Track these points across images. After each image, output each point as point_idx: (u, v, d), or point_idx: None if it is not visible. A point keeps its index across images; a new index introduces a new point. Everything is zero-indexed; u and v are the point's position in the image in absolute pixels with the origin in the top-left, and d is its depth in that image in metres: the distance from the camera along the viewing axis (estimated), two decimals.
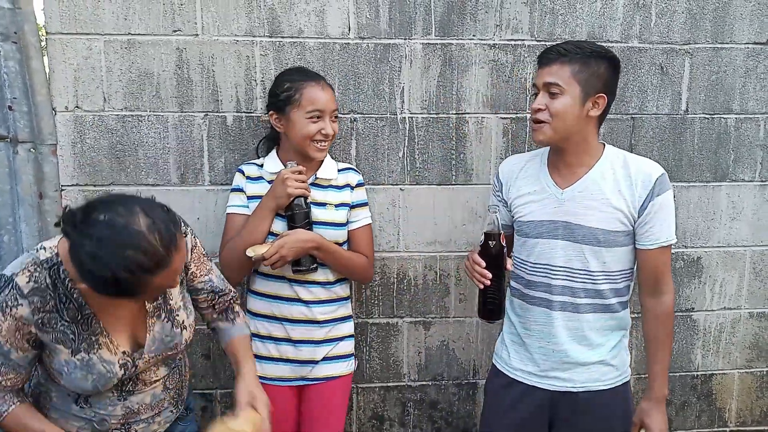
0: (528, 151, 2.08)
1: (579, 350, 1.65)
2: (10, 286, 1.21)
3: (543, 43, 2.10)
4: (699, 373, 2.38)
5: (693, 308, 2.33)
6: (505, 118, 2.14)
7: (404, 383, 2.28)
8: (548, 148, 1.71)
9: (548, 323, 1.66)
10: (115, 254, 1.10)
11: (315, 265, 1.81)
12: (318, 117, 1.78)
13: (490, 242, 1.55)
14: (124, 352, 1.34)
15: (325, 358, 1.89)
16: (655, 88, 2.17)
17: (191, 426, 1.64)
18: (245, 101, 2.05)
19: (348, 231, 1.91)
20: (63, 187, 2.04)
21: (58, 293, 1.25)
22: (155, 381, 1.45)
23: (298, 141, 1.81)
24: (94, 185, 2.05)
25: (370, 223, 1.96)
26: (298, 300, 1.85)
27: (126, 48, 1.99)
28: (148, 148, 2.05)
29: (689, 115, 2.19)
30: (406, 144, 2.12)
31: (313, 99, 1.78)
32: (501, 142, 2.15)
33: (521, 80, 2.12)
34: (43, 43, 2.00)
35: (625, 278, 1.67)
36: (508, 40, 2.09)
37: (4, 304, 1.20)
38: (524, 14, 2.08)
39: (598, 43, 1.62)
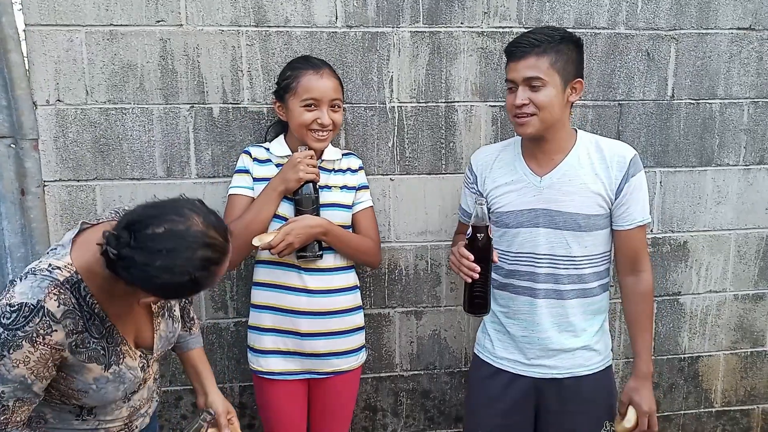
0: None
1: (563, 337, 1.67)
2: (40, 314, 1.15)
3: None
4: (686, 355, 2.42)
5: (680, 292, 2.36)
6: (494, 106, 2.13)
7: (397, 373, 2.28)
8: (520, 137, 1.71)
9: (532, 312, 1.67)
10: (191, 259, 1.13)
11: (320, 252, 1.79)
12: (313, 106, 1.76)
13: (478, 235, 1.53)
14: (140, 355, 1.37)
15: (334, 353, 1.86)
16: (641, 74, 2.18)
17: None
18: (231, 92, 2.02)
19: (352, 214, 1.90)
20: (46, 183, 1.99)
21: (84, 312, 1.23)
22: (151, 376, 1.46)
23: (296, 130, 1.79)
24: (78, 180, 2.00)
25: (372, 206, 1.95)
26: (306, 290, 1.81)
27: (108, 39, 1.94)
28: (132, 141, 2.01)
29: (675, 101, 2.21)
30: (396, 133, 2.11)
31: (308, 87, 1.75)
32: (490, 130, 2.15)
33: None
34: (21, 36, 1.94)
35: (605, 261, 1.70)
36: (496, 27, 2.08)
37: (35, 334, 1.13)
38: (512, 1, 2.07)
39: (560, 27, 1.64)
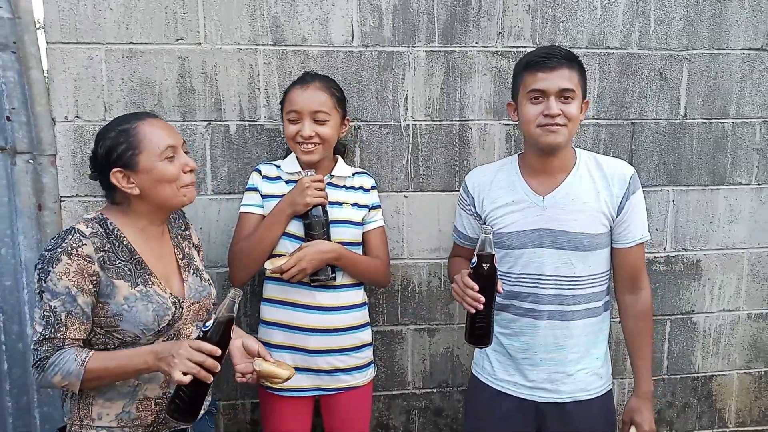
0: None
1: (566, 360, 1.65)
2: (72, 233, 1.38)
3: None
4: (699, 374, 2.41)
5: (693, 311, 2.35)
6: (507, 124, 2.15)
7: (409, 391, 2.27)
8: (515, 156, 1.73)
9: (534, 333, 1.65)
10: (116, 119, 1.48)
11: (334, 275, 1.80)
12: (296, 119, 1.78)
13: (483, 264, 1.47)
14: (170, 293, 1.48)
15: (343, 369, 1.85)
16: (654, 94, 2.20)
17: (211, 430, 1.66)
18: (248, 110, 2.04)
19: (363, 233, 1.91)
20: (62, 198, 2.01)
21: (111, 238, 1.43)
22: (188, 332, 1.52)
23: (287, 143, 1.84)
24: (94, 196, 2.01)
25: (383, 226, 1.96)
26: (316, 307, 1.81)
27: (127, 57, 1.97)
28: None
29: (688, 120, 2.23)
30: (410, 151, 2.12)
31: (291, 100, 1.79)
32: (504, 148, 2.16)
33: None
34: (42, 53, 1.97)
35: (606, 280, 1.69)
36: (510, 47, 2.11)
37: (70, 247, 1.35)
38: (526, 21, 2.10)
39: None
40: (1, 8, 1.89)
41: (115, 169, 1.42)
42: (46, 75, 1.96)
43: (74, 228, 1.40)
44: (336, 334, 1.84)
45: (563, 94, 1.54)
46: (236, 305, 1.33)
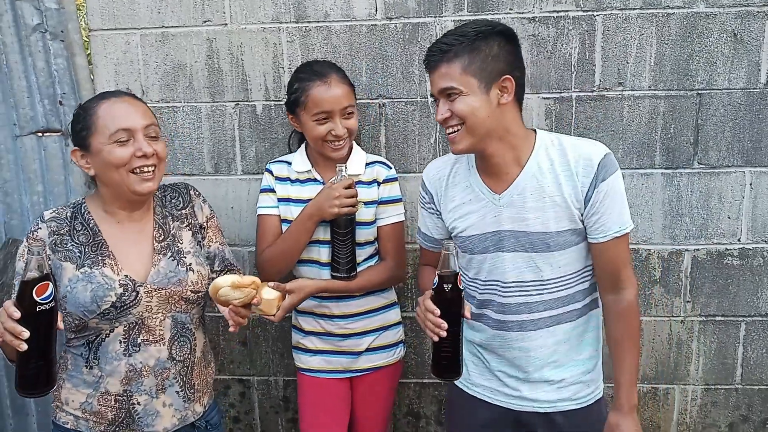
0: (573, 135, 1.90)
1: (545, 369, 1.46)
2: (37, 219, 1.48)
3: (590, 13, 1.89)
4: None
5: None
6: (547, 98, 1.95)
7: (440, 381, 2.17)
8: None
9: (506, 345, 1.48)
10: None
11: (354, 273, 1.76)
12: (325, 118, 1.71)
13: (444, 285, 1.30)
14: (126, 276, 1.45)
15: (369, 349, 1.85)
16: (726, 59, 1.88)
17: None
18: (273, 89, 2.03)
19: (376, 228, 1.84)
20: None
21: (75, 222, 1.47)
22: (160, 336, 1.47)
23: (312, 143, 1.77)
24: None
25: (399, 221, 1.85)
26: (339, 297, 1.81)
27: (160, 41, 2.03)
28: (183, 138, 2.09)
29: None
30: (439, 129, 2.00)
31: (318, 101, 1.70)
32: (544, 124, 1.97)
33: (565, 56, 1.93)
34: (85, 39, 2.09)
35: (585, 278, 1.46)
36: (549, 12, 1.90)
37: (29, 231, 1.46)
38: None
39: (483, 19, 1.41)
40: None
41: (74, 148, 1.45)
42: (88, 60, 2.09)
43: (42, 213, 1.47)
44: (361, 317, 1.84)
45: (445, 94, 1.36)
46: (39, 262, 1.24)
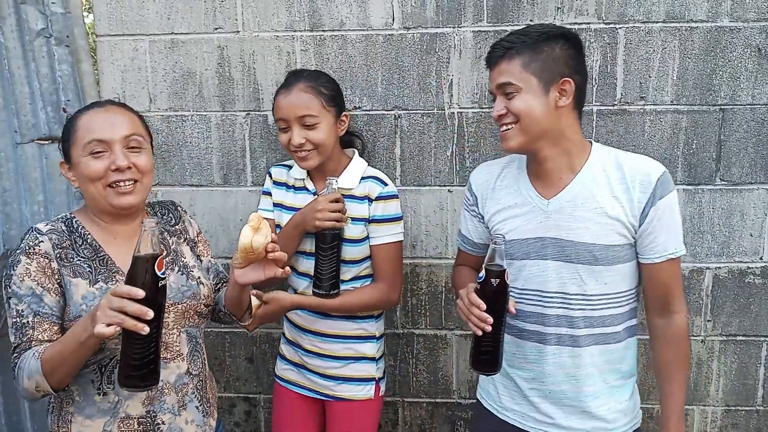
0: None
1: (581, 393, 1.40)
2: (30, 231, 1.35)
3: (612, 26, 1.86)
4: None
5: None
6: None
7: (453, 400, 2.11)
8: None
9: (540, 360, 1.42)
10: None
11: (336, 291, 1.66)
12: (284, 127, 1.66)
13: (492, 280, 1.27)
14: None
15: (332, 377, 1.76)
16: (750, 75, 1.85)
17: None
18: None
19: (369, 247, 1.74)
20: None
21: (73, 236, 1.37)
22: (178, 352, 1.40)
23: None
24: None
25: (394, 242, 1.73)
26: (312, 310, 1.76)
27: (169, 48, 1.97)
28: (191, 148, 2.03)
29: None
30: (455, 141, 1.95)
31: (276, 107, 1.67)
32: None
33: (587, 69, 1.88)
34: (91, 45, 2.03)
35: (631, 300, 1.41)
36: (571, 24, 1.86)
37: (28, 246, 1.32)
38: None
39: (551, 23, 1.37)
40: (54, 3, 1.97)
41: (61, 160, 1.38)
42: (94, 67, 2.03)
43: (32, 227, 1.35)
44: (328, 339, 1.76)
45: (503, 91, 1.35)
46: (153, 238, 1.15)
